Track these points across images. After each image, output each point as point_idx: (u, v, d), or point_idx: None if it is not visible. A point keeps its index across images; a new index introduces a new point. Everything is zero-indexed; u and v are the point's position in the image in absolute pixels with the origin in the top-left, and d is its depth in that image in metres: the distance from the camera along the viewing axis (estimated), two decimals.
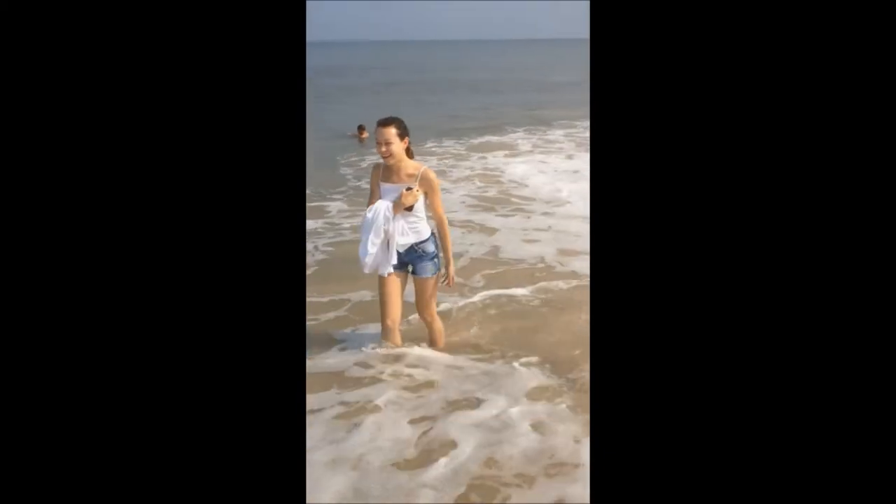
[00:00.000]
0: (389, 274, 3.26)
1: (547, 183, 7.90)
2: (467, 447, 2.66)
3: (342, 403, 3.03)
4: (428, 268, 3.29)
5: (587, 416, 2.74)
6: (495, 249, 5.36)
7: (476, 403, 2.99)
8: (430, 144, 11.21)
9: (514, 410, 2.90)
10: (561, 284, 4.52)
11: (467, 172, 8.83)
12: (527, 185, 7.83)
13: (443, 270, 3.36)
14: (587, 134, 11.44)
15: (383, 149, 3.10)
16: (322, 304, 4.17)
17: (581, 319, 3.89)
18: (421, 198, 3.19)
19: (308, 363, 3.38)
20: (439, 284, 3.38)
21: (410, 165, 3.21)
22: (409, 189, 3.15)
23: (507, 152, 10.43)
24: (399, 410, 2.95)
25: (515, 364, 3.36)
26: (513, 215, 6.47)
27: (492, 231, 5.91)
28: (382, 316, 3.37)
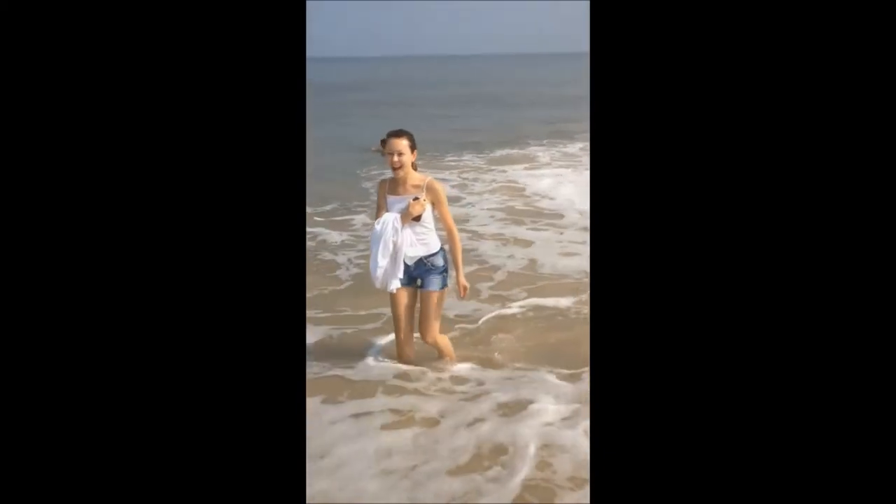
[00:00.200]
0: (398, 289, 3.33)
1: (574, 196, 7.99)
2: (518, 452, 2.72)
3: (391, 411, 3.13)
4: (435, 281, 3.34)
5: None
6: (533, 263, 5.44)
7: (524, 410, 3.07)
8: (449, 158, 11.38)
9: (562, 417, 2.97)
10: None
11: (490, 186, 8.95)
12: (553, 198, 7.93)
13: (450, 285, 3.40)
14: None
15: (395, 158, 3.20)
16: (359, 317, 4.26)
17: None
18: (428, 209, 3.27)
19: (348, 371, 3.50)
20: (455, 295, 3.44)
21: (416, 177, 3.30)
22: (415, 199, 3.24)
23: (526, 165, 10.56)
24: (447, 418, 3.03)
25: (564, 372, 3.44)
26: (546, 229, 6.55)
27: (526, 243, 6.01)
28: (395, 331, 3.49)
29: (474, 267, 5.33)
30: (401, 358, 3.51)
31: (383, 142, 3.26)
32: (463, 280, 3.41)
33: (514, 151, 12.13)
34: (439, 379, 3.39)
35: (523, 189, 8.60)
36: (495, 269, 5.31)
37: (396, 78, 50.05)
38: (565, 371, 3.46)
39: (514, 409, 3.08)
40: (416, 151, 3.30)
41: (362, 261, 5.56)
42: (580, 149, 12.37)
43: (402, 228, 3.24)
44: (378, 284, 3.33)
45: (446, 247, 3.40)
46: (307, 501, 2.14)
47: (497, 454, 2.73)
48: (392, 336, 3.93)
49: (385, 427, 2.99)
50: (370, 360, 3.63)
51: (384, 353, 3.73)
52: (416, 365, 3.51)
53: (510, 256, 5.62)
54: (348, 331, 4.08)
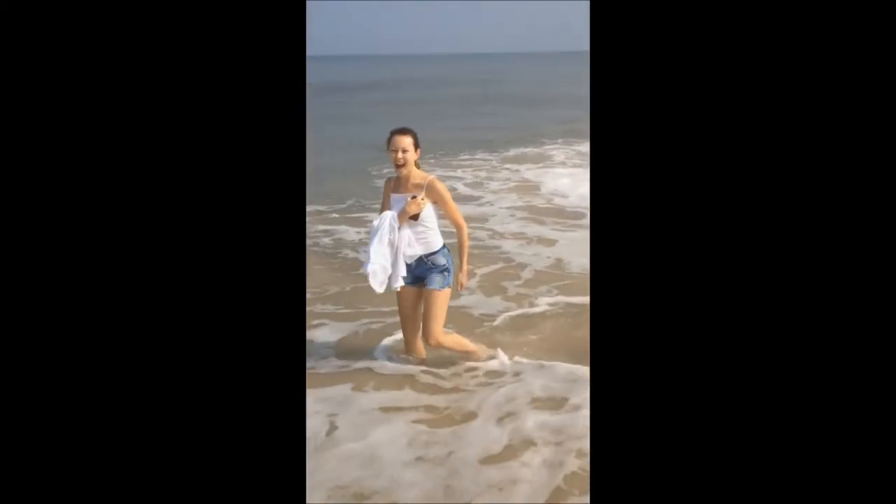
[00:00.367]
0: (404, 288, 3.38)
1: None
2: (552, 443, 2.82)
3: (422, 401, 3.23)
4: (436, 280, 3.36)
5: None
6: (559, 262, 5.52)
7: (557, 403, 3.17)
8: (463, 156, 11.48)
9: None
10: None
11: (506, 184, 9.04)
12: (569, 197, 8.00)
13: (455, 283, 3.44)
14: None
15: (399, 155, 3.25)
16: (383, 313, 4.34)
17: None
18: (429, 208, 3.31)
19: (374, 364, 3.61)
20: (453, 290, 3.44)
21: (418, 176, 3.35)
22: (413, 197, 3.28)
23: (541, 164, 10.64)
24: (480, 409, 3.13)
25: None
26: (571, 230, 6.59)
27: (550, 242, 6.09)
28: (402, 330, 3.59)
29: (499, 265, 5.43)
30: (410, 354, 3.61)
31: (389, 139, 3.31)
32: (462, 276, 3.45)
33: (529, 150, 12.22)
34: (469, 372, 3.49)
35: (539, 188, 8.68)
36: (522, 266, 5.40)
37: (411, 76, 50.17)
38: None
39: (547, 402, 3.17)
40: (419, 149, 3.35)
41: None
42: None
43: (399, 227, 3.28)
44: (373, 282, 3.28)
45: (457, 239, 3.42)
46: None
47: (530, 445, 2.82)
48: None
49: (417, 417, 3.09)
50: (399, 354, 3.72)
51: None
52: (447, 358, 3.60)
53: (535, 255, 5.70)
54: (374, 326, 4.17)
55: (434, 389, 3.35)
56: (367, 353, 3.80)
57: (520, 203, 7.78)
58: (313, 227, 6.78)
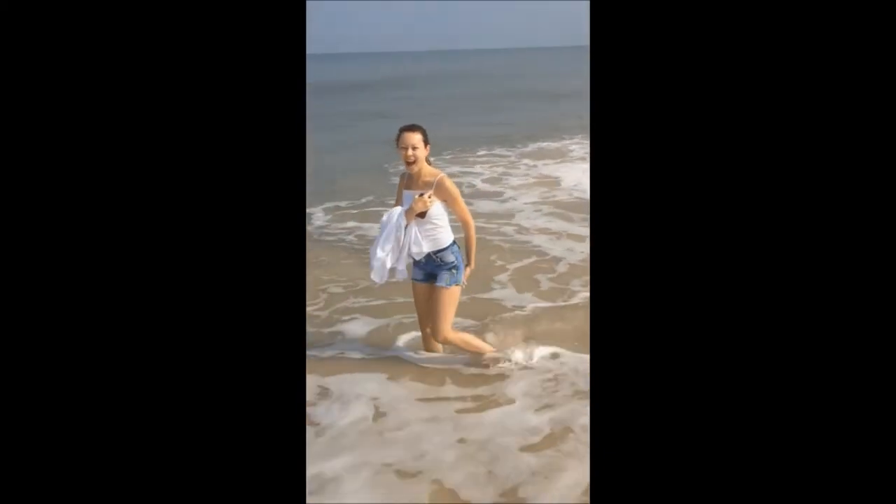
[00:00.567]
0: (417, 285, 3.55)
1: None
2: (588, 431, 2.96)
3: (462, 389, 3.39)
4: (444, 277, 3.44)
5: None
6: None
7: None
8: (481, 152, 11.64)
9: None
10: None
11: (526, 180, 9.19)
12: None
13: (460, 285, 3.51)
14: None
15: (409, 152, 3.32)
16: (412, 305, 4.50)
17: None
18: (438, 205, 3.38)
19: (408, 353, 3.78)
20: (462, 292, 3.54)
21: (428, 173, 3.41)
22: (420, 195, 3.35)
23: (560, 159, 10.77)
24: (520, 399, 3.28)
25: None
26: None
27: (580, 238, 6.20)
28: (420, 326, 3.73)
29: (532, 259, 5.58)
30: (426, 349, 3.76)
31: (398, 136, 3.37)
32: (467, 274, 3.53)
33: (547, 145, 12.36)
34: (509, 363, 3.63)
35: (559, 183, 8.81)
36: (556, 260, 5.53)
37: (420, 73, 50.36)
38: None
39: (586, 393, 3.31)
40: (429, 145, 3.42)
41: None
42: None
43: (405, 225, 3.36)
44: (375, 277, 3.42)
45: (463, 236, 3.50)
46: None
47: (569, 433, 2.96)
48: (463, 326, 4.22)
49: (458, 405, 3.25)
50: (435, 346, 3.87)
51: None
52: (489, 349, 3.76)
53: (569, 250, 5.83)
54: (406, 320, 4.33)
55: (471, 378, 3.51)
56: (400, 344, 3.97)
57: (543, 198, 7.91)
58: (337, 224, 6.98)
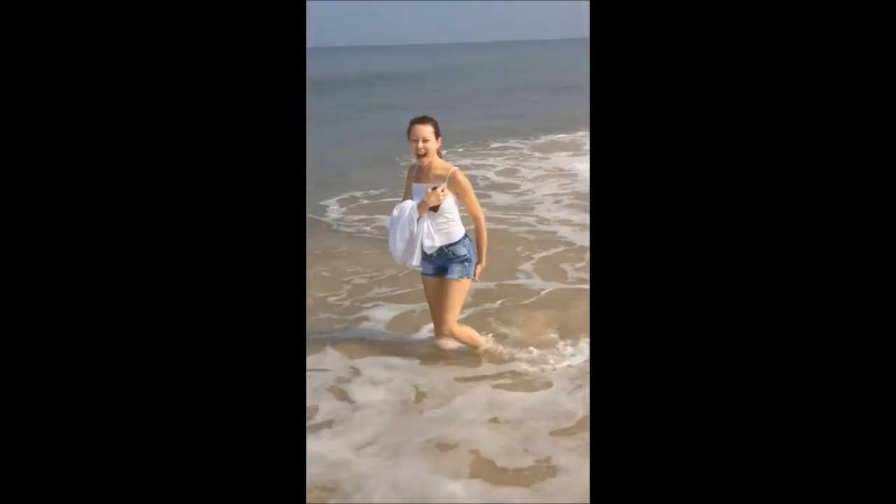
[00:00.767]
0: (428, 279, 3.65)
1: None
2: None
3: (495, 371, 3.57)
4: (455, 270, 3.51)
5: None
6: None
7: None
8: (495, 145, 11.82)
9: None
10: None
11: (540, 172, 9.36)
12: None
13: (473, 274, 3.59)
14: None
15: (419, 145, 3.36)
16: None
17: None
18: (450, 199, 3.43)
19: (439, 339, 3.93)
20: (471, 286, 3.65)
21: (440, 166, 3.46)
22: (433, 189, 3.40)
23: (573, 152, 10.93)
24: (555, 383, 3.44)
25: None
26: None
27: None
28: (433, 319, 3.81)
29: (560, 248, 5.74)
30: (439, 339, 3.84)
31: (409, 129, 3.41)
32: (479, 270, 3.61)
33: (559, 137, 12.53)
34: (540, 349, 3.79)
35: (577, 175, 8.95)
36: (583, 250, 5.65)
37: (427, 66, 50.56)
38: None
39: None
40: (441, 138, 3.46)
41: None
42: None
43: (418, 219, 3.42)
44: (398, 261, 3.58)
45: (474, 231, 3.58)
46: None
47: None
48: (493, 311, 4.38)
49: (495, 385, 3.42)
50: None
51: (471, 324, 4.15)
52: (520, 337, 3.95)
53: None
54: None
55: (506, 361, 3.68)
56: (425, 330, 4.11)
57: (562, 190, 8.07)
58: (353, 216, 7.15)
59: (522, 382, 3.47)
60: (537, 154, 10.88)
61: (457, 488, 2.63)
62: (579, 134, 12.81)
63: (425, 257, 3.57)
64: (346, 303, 4.69)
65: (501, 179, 8.88)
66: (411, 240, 3.46)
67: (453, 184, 3.43)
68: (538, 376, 3.51)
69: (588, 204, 7.27)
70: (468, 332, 3.70)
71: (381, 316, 4.42)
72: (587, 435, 2.95)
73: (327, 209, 7.50)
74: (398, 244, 3.46)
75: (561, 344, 3.85)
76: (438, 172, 3.46)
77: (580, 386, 3.38)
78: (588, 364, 3.57)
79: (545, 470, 2.73)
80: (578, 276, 5.09)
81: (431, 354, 3.79)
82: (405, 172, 3.78)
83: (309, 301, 4.69)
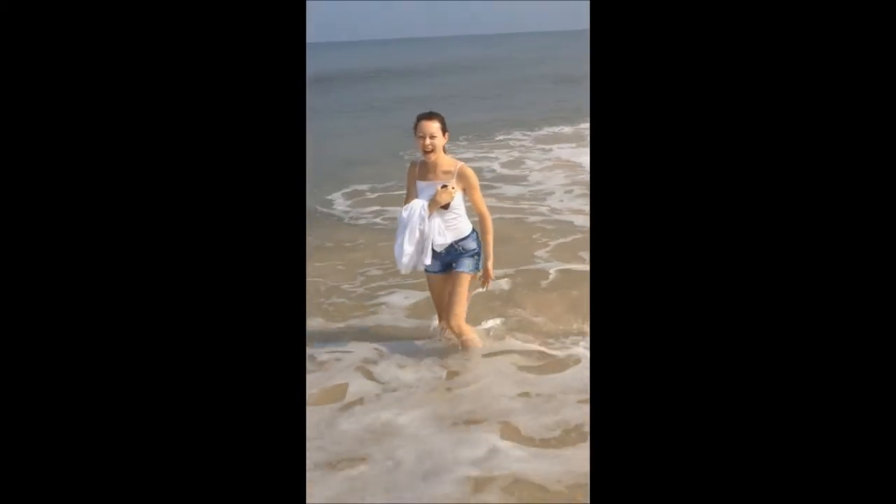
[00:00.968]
0: (433, 277, 3.67)
1: None
2: None
3: (523, 350, 3.75)
4: (466, 263, 3.57)
5: None
6: None
7: None
8: (499, 137, 12.06)
9: None
10: None
11: (546, 164, 9.54)
12: None
13: (480, 272, 3.65)
14: None
15: (427, 141, 3.40)
16: None
17: None
18: (459, 194, 3.49)
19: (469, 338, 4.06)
20: (476, 283, 3.69)
21: (447, 162, 3.49)
22: (444, 186, 3.44)
23: (577, 143, 11.10)
24: (581, 362, 3.59)
25: None
26: None
27: None
28: (437, 316, 3.87)
29: (577, 235, 5.88)
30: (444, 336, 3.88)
31: (416, 125, 3.44)
32: (489, 269, 3.64)
33: (560, 129, 12.78)
34: (566, 330, 3.96)
35: (583, 166, 9.08)
36: None
37: (428, 60, 50.78)
38: None
39: None
40: (448, 134, 3.50)
41: None
42: None
43: (429, 217, 3.45)
44: (404, 270, 3.57)
45: (479, 227, 3.61)
46: None
47: None
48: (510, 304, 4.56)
49: (524, 365, 3.59)
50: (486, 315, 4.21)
51: (494, 310, 4.34)
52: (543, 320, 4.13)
53: None
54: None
55: (531, 341, 3.85)
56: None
57: (571, 181, 8.24)
58: (361, 209, 7.33)
59: (553, 361, 3.63)
60: (540, 146, 11.06)
61: (485, 454, 2.80)
62: (582, 126, 13.01)
63: (434, 255, 3.58)
64: (360, 290, 4.85)
65: (508, 171, 9.06)
66: (421, 240, 3.49)
67: (461, 179, 3.49)
68: (569, 355, 3.66)
69: None
70: (470, 332, 3.73)
71: (399, 302, 4.58)
72: None
73: (333, 202, 7.68)
74: (406, 247, 3.48)
75: (586, 326, 3.99)
76: (446, 169, 3.50)
77: None
78: None
79: (575, 437, 2.90)
80: None
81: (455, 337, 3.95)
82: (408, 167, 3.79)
83: (322, 288, 4.87)
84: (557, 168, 9.13)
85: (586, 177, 8.36)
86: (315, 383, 3.46)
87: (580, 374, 3.43)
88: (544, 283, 4.83)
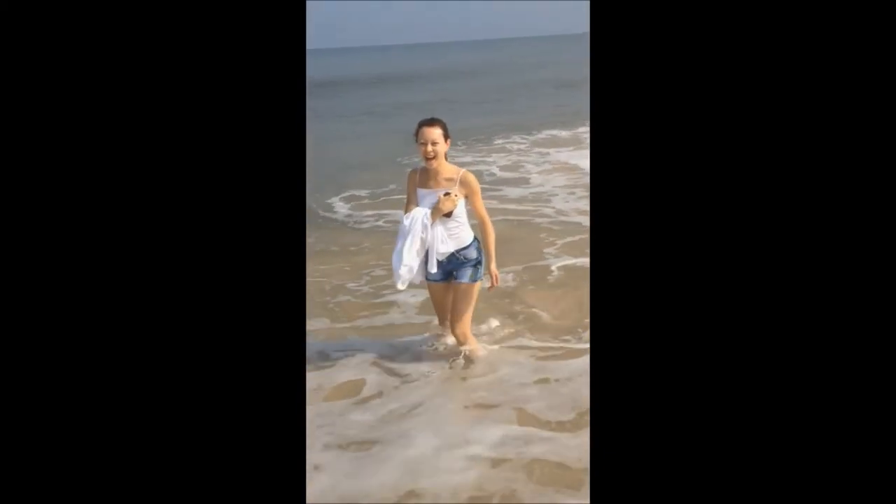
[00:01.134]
0: (434, 285, 3.69)
1: None
2: None
3: (536, 342, 3.91)
4: (467, 273, 3.57)
5: None
6: None
7: None
8: (498, 140, 12.25)
9: None
10: None
11: (547, 167, 9.71)
12: None
13: (484, 279, 3.68)
14: None
15: (428, 148, 3.38)
16: None
17: None
18: (461, 202, 3.48)
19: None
20: (483, 288, 3.72)
21: (449, 169, 3.48)
22: (446, 194, 3.44)
23: (575, 146, 11.28)
24: None
25: None
26: None
27: None
28: (440, 322, 3.93)
29: (584, 234, 6.01)
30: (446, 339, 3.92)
31: (417, 131, 3.43)
32: (494, 270, 3.65)
33: (557, 133, 12.98)
34: (574, 324, 4.10)
35: (582, 169, 9.23)
36: None
37: (426, 67, 51.08)
38: None
39: None
40: (449, 140, 3.49)
41: None
42: None
43: (431, 225, 3.44)
44: (400, 285, 3.52)
45: (480, 234, 3.62)
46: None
47: None
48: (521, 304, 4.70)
49: (541, 356, 3.74)
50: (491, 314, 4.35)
51: (507, 307, 4.48)
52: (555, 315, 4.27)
53: None
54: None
55: (549, 330, 4.00)
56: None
57: (573, 183, 8.40)
58: (361, 213, 7.48)
59: (569, 350, 3.77)
60: (539, 149, 11.23)
61: (498, 435, 2.93)
62: (580, 129, 13.20)
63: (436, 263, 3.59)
64: (367, 289, 4.98)
65: (507, 174, 9.22)
66: (422, 249, 3.49)
67: (464, 185, 3.48)
68: (583, 348, 3.79)
69: None
70: (474, 340, 3.77)
71: (408, 300, 4.69)
72: None
73: (333, 206, 7.82)
74: (405, 256, 3.44)
75: None
76: (448, 176, 3.49)
77: None
78: None
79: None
80: None
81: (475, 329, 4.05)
82: (407, 172, 3.82)
83: (327, 287, 5.00)
84: (556, 171, 9.30)
85: (587, 179, 8.54)
86: (328, 380, 3.58)
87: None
88: (550, 279, 4.98)
